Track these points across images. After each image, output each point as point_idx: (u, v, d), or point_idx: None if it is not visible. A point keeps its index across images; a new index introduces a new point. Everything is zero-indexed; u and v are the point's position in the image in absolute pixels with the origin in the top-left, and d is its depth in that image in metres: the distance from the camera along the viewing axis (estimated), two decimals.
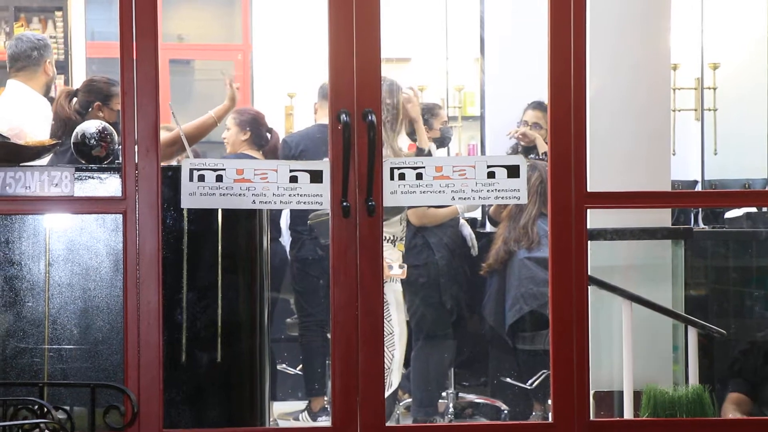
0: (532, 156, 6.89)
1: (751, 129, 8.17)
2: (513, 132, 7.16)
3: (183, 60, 11.69)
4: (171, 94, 10.26)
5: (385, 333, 6.03)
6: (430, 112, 7.32)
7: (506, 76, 7.77)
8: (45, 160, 5.02)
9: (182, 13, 11.73)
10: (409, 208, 6.37)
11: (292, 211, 6.95)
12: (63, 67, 9.13)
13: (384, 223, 5.69)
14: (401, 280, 6.19)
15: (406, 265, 6.20)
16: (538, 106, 7.07)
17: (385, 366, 5.84)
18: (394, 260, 6.14)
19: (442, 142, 7.46)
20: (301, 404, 7.23)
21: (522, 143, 7.09)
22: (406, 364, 6.52)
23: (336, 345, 4.44)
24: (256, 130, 7.18)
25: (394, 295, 6.12)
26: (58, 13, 9.57)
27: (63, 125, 5.76)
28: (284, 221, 7.31)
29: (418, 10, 9.92)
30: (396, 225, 6.19)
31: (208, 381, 4.76)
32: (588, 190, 4.51)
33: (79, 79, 8.83)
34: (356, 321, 4.42)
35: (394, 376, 6.15)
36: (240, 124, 7.15)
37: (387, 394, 5.92)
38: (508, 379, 6.95)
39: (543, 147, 6.81)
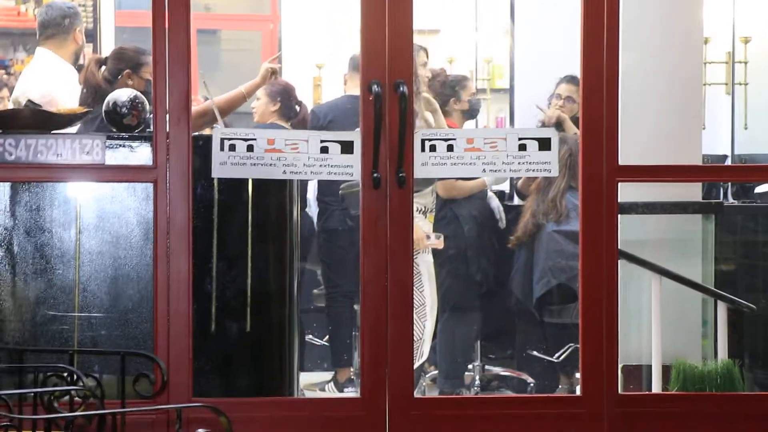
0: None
1: None
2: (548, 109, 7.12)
3: (210, 30, 11.68)
4: (198, 64, 10.25)
5: (416, 304, 6.06)
6: (459, 84, 7.29)
7: (536, 48, 7.72)
8: (74, 128, 5.03)
9: None
10: (440, 179, 6.36)
11: (319, 181, 6.94)
12: (91, 36, 9.13)
13: (415, 194, 5.69)
14: (432, 251, 6.18)
15: (442, 235, 6.19)
16: (571, 80, 7.03)
17: (417, 337, 5.88)
18: (428, 231, 6.14)
19: (470, 114, 7.44)
20: (327, 375, 7.24)
21: (551, 121, 7.03)
22: (434, 335, 6.52)
23: (365, 316, 4.45)
24: (286, 101, 7.17)
25: (426, 266, 6.12)
26: None
27: (93, 92, 5.77)
28: (311, 192, 7.30)
29: None
30: (427, 196, 6.18)
31: (237, 350, 4.78)
32: (619, 163, 4.50)
33: (107, 48, 8.82)
34: (386, 292, 4.42)
35: (425, 347, 6.16)
36: (270, 94, 7.14)
37: (417, 364, 5.95)
38: (535, 352, 6.94)
39: (572, 129, 6.78)
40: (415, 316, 6.23)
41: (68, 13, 6.23)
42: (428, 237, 6.08)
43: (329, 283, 7.04)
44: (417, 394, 6.04)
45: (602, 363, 4.48)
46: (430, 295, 6.15)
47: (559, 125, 6.89)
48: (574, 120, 6.72)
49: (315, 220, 7.21)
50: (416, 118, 5.95)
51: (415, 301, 6.23)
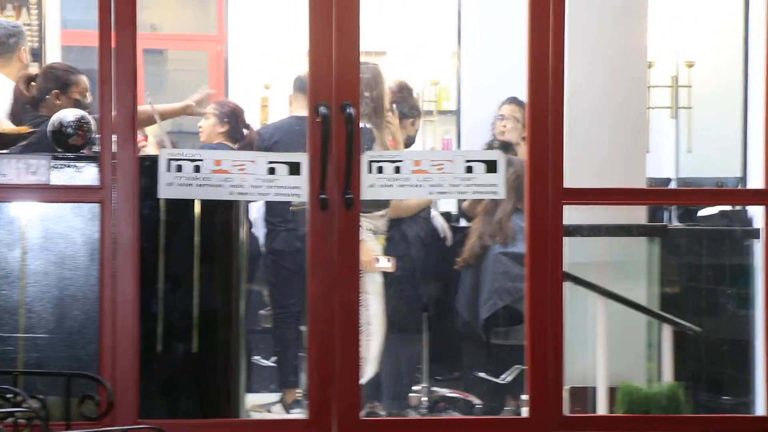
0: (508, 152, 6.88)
1: (725, 128, 8.18)
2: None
3: (156, 50, 11.64)
4: (145, 84, 10.21)
5: (361, 323, 6.06)
6: (413, 109, 7.25)
7: (483, 71, 7.76)
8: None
9: (156, 2, 11.68)
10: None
11: (266, 202, 6.92)
12: (37, 55, 9.07)
13: (368, 216, 5.70)
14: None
15: (393, 259, 6.21)
16: (513, 100, 7.08)
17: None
18: (378, 253, 6.15)
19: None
20: (274, 396, 7.21)
21: (500, 138, 7.08)
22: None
23: (312, 337, 4.44)
24: (234, 124, 7.14)
25: (374, 285, 6.13)
26: (33, 1, 9.50)
27: (21, 109, 5.70)
28: (255, 213, 7.28)
29: (395, 2, 9.90)
30: (379, 219, 6.19)
31: (183, 371, 4.76)
32: (565, 186, 4.53)
33: None
34: (333, 313, 4.42)
35: (368, 367, 6.15)
36: (219, 115, 7.12)
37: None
38: (482, 374, 6.95)
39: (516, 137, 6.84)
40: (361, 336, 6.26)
41: (13, 32, 6.18)
42: (377, 260, 6.10)
43: (276, 305, 7.01)
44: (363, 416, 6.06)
45: (548, 385, 4.50)
46: (377, 314, 6.15)
47: (508, 144, 6.93)
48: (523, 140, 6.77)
49: (261, 240, 7.19)
50: (375, 142, 5.98)
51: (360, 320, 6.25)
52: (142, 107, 5.90)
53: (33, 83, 5.80)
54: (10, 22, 6.32)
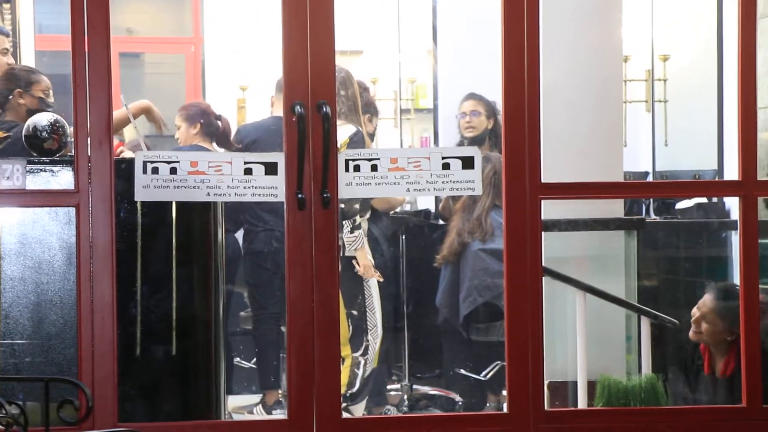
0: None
1: (701, 121, 8.23)
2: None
3: (133, 53, 11.62)
4: (121, 87, 10.19)
5: (369, 326, 6.11)
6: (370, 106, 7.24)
7: (459, 68, 7.77)
8: None
9: (131, 5, 11.65)
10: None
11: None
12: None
13: (361, 220, 5.73)
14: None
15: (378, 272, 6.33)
16: (471, 96, 7.08)
17: (371, 357, 5.97)
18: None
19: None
20: (256, 398, 7.21)
21: (467, 135, 7.07)
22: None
23: (291, 337, 4.43)
24: (205, 120, 7.13)
25: (375, 289, 6.21)
26: (6, 5, 9.47)
27: None
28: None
29: (371, 1, 9.91)
30: (365, 222, 6.26)
31: (163, 374, 4.75)
32: (542, 181, 4.54)
33: None
34: (312, 312, 4.42)
35: (369, 367, 6.24)
36: (188, 118, 7.11)
37: (358, 385, 6.04)
38: (462, 371, 6.96)
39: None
40: (369, 337, 6.30)
41: None
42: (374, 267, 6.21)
43: (256, 306, 7.01)
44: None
45: (528, 380, 4.50)
46: (380, 317, 6.22)
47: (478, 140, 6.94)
48: (495, 133, 6.80)
49: (240, 242, 7.18)
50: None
51: (368, 323, 6.29)
52: (118, 111, 5.89)
53: None
54: None
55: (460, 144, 6.98)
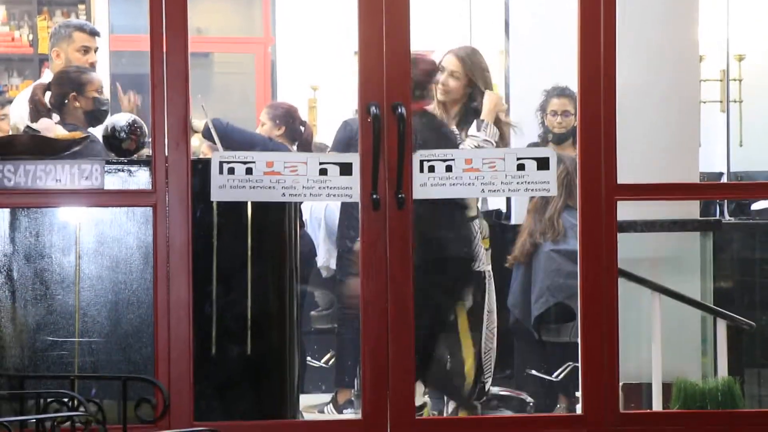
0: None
1: None
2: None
3: (202, 53, 11.68)
4: (191, 88, 10.23)
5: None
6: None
7: (532, 65, 7.71)
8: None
9: (202, 5, 11.71)
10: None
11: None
12: None
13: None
14: None
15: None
16: (562, 92, 6.99)
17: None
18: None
19: None
20: (326, 397, 7.22)
21: (557, 132, 6.99)
22: None
23: (366, 338, 4.44)
24: (290, 124, 7.14)
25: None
26: (81, 6, 9.58)
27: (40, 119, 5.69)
28: (308, 213, 7.28)
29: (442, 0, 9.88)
30: (482, 220, 6.21)
31: (237, 374, 4.77)
32: (618, 182, 4.51)
33: (102, 72, 8.82)
34: (386, 314, 4.42)
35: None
36: (273, 118, 7.12)
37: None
38: (534, 372, 6.93)
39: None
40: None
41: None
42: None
43: (342, 303, 7.00)
44: None
45: (603, 381, 4.48)
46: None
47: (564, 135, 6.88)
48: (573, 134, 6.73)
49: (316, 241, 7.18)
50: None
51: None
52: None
53: (48, 92, 5.78)
54: None
55: (543, 139, 6.92)
